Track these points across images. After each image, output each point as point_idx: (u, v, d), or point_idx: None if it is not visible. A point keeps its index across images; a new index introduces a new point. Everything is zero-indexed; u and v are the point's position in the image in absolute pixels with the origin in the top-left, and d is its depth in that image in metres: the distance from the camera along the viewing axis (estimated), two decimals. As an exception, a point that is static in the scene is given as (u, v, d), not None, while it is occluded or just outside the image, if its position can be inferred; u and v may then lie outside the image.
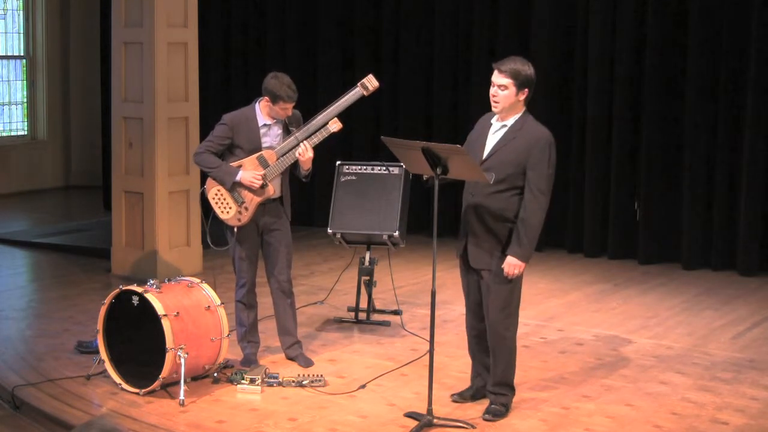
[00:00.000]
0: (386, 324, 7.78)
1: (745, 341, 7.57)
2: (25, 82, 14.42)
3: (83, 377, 6.47)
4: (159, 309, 6.07)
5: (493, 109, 5.84)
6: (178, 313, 6.14)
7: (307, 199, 11.29)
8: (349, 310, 7.98)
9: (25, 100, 14.46)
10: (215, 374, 6.45)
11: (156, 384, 6.13)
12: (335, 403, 6.12)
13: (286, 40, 11.97)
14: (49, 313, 8.18)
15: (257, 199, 6.57)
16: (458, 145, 5.70)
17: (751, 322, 8.10)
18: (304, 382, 6.37)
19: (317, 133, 6.55)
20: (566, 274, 9.65)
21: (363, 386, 6.41)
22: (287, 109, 6.54)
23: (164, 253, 9.07)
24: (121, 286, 6.29)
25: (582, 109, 10.43)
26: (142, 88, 9.06)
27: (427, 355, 5.83)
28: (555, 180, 5.84)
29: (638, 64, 10.11)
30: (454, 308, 7.99)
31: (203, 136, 7.38)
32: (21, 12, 14.27)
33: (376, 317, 7.87)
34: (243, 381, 6.32)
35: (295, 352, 6.84)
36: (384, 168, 7.98)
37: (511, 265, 5.73)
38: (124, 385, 6.24)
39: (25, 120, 14.51)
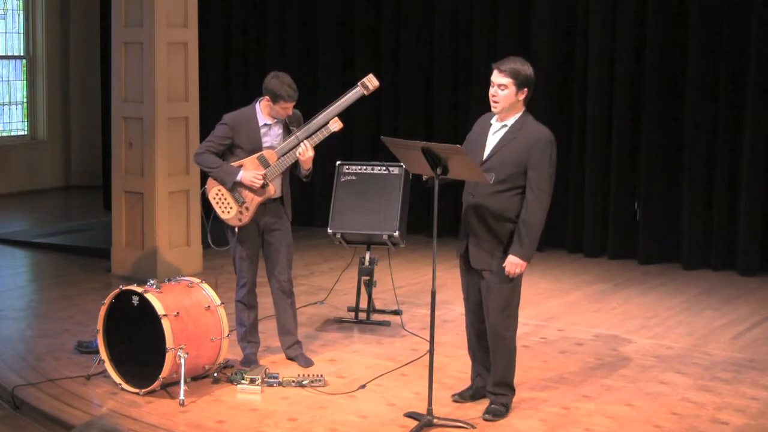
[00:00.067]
0: (386, 324, 7.78)
1: (745, 341, 7.57)
2: (25, 82, 14.42)
3: (83, 377, 6.47)
4: (159, 309, 6.07)
5: (492, 108, 5.84)
6: (178, 313, 6.14)
7: (307, 199, 11.29)
8: (349, 310, 7.98)
9: (25, 100, 14.46)
10: (215, 374, 6.45)
11: (156, 384, 6.13)
12: (335, 403, 6.12)
13: (286, 40, 11.97)
14: (49, 313, 8.18)
15: (258, 199, 6.57)
16: (458, 145, 5.70)
17: (751, 322, 8.10)
18: (304, 382, 6.37)
19: (318, 133, 6.55)
20: (566, 274, 9.65)
21: (363, 386, 6.41)
22: (288, 108, 6.54)
23: (164, 253, 9.07)
24: (121, 286, 6.29)
25: (582, 109, 10.43)
26: (142, 88, 9.06)
27: (427, 355, 5.83)
28: (555, 180, 5.84)
29: (638, 64, 10.11)
30: (454, 308, 7.99)
31: (203, 136, 7.38)
32: (21, 12, 14.27)
33: (376, 317, 7.87)
34: (243, 381, 6.32)
35: (295, 352, 6.84)
36: (384, 168, 7.98)
37: (513, 264, 5.74)
38: (124, 385, 6.24)
39: (25, 120, 14.51)
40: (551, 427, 5.84)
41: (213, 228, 6.74)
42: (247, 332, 6.76)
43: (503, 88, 5.76)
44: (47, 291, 9.01)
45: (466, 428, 5.76)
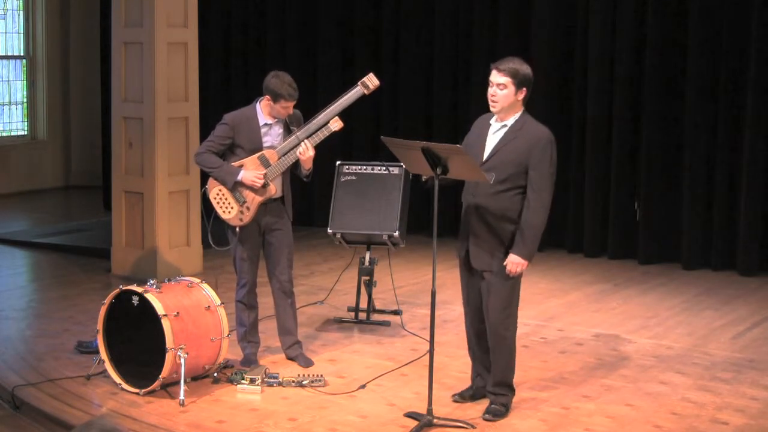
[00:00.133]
0: (386, 324, 7.78)
1: (745, 341, 7.57)
2: (25, 82, 14.42)
3: (83, 377, 6.47)
4: (159, 309, 6.07)
5: (491, 108, 5.84)
6: (178, 313, 6.14)
7: (307, 199, 11.29)
8: (349, 310, 7.98)
9: (25, 100, 14.46)
10: (215, 374, 6.45)
11: (156, 384, 6.12)
12: (335, 403, 6.12)
13: (286, 40, 11.97)
14: (49, 313, 8.18)
15: (259, 199, 6.57)
16: (458, 145, 5.70)
17: (751, 322, 8.10)
18: (304, 382, 6.37)
19: (318, 132, 6.55)
20: (566, 274, 9.65)
21: (363, 386, 6.41)
22: (288, 107, 6.54)
23: (164, 253, 9.07)
24: (121, 286, 6.29)
25: (582, 109, 10.43)
26: (142, 88, 9.06)
27: (427, 355, 5.83)
28: (555, 180, 5.84)
29: (638, 64, 10.11)
30: (454, 308, 7.99)
31: (203, 136, 7.38)
32: (21, 12, 14.27)
33: (376, 317, 7.87)
34: (243, 381, 6.32)
35: (295, 352, 6.84)
36: (384, 168, 7.98)
37: (514, 263, 5.74)
38: (124, 385, 6.24)
39: (25, 120, 14.51)
40: (551, 427, 5.84)
41: (214, 228, 6.74)
42: (247, 332, 6.76)
43: (502, 88, 5.77)
44: (47, 291, 9.01)
45: (466, 428, 5.76)
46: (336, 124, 6.54)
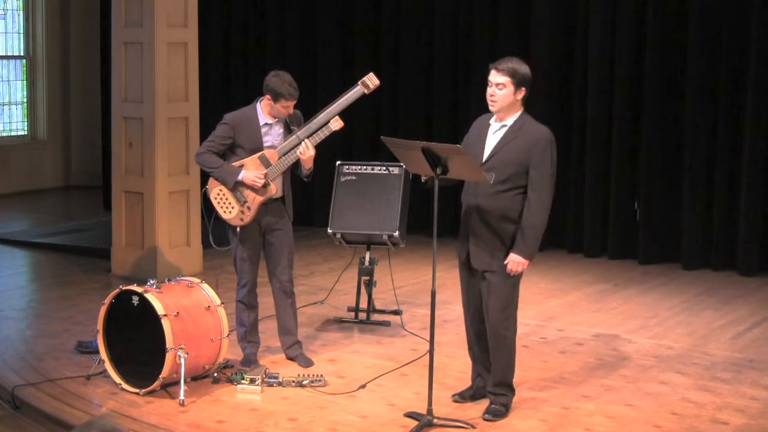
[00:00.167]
0: (386, 324, 7.78)
1: (745, 341, 7.57)
2: (25, 82, 14.42)
3: (83, 377, 6.47)
4: (159, 309, 6.07)
5: (490, 108, 5.85)
6: (178, 313, 6.14)
7: (307, 199, 11.29)
8: (349, 310, 7.98)
9: (25, 100, 14.46)
10: (215, 374, 6.45)
11: (156, 384, 6.12)
12: (335, 403, 6.12)
13: (286, 40, 11.97)
14: (49, 313, 8.18)
15: (260, 199, 6.57)
16: (458, 145, 5.71)
17: (751, 322, 8.10)
18: (304, 382, 6.37)
19: (319, 132, 6.55)
20: (566, 274, 9.65)
21: (363, 386, 6.41)
22: (289, 107, 6.54)
23: (164, 253, 9.08)
24: (121, 286, 6.29)
25: (582, 109, 10.43)
26: (142, 88, 9.06)
27: (427, 355, 5.83)
28: (555, 180, 5.84)
29: (638, 64, 10.11)
30: (454, 308, 7.99)
31: (203, 136, 7.38)
32: (21, 12, 14.27)
33: (376, 317, 7.87)
34: (243, 381, 6.32)
35: (295, 352, 6.84)
36: (384, 168, 7.98)
37: (515, 262, 5.75)
38: (124, 385, 6.24)
39: (25, 120, 14.51)
40: (551, 427, 5.84)
41: (215, 228, 6.74)
42: (248, 332, 6.76)
43: (501, 87, 5.77)
44: (47, 291, 9.01)
45: (466, 428, 5.76)
46: (336, 124, 6.54)
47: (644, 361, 7.04)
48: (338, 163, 8.16)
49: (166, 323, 6.04)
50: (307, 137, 6.53)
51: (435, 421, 5.74)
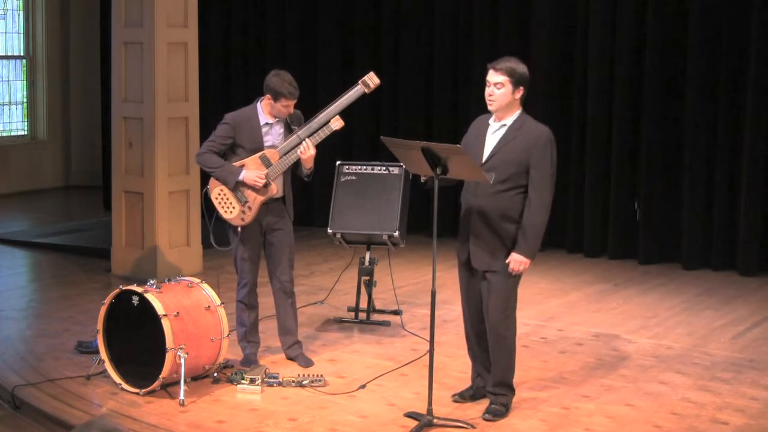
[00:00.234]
0: (386, 324, 7.78)
1: (745, 341, 7.57)
2: (25, 82, 14.42)
3: (83, 377, 6.47)
4: (159, 309, 6.07)
5: (489, 107, 5.85)
6: (178, 313, 6.14)
7: (307, 199, 11.29)
8: (349, 310, 7.98)
9: (25, 100, 14.46)
10: (215, 374, 6.45)
11: (156, 384, 6.12)
12: (335, 403, 6.12)
13: (286, 40, 11.97)
14: (49, 313, 8.18)
15: (260, 199, 6.57)
16: (458, 145, 5.71)
17: (751, 322, 8.10)
18: (304, 382, 6.37)
19: (319, 131, 6.55)
20: (566, 274, 9.65)
21: (363, 386, 6.41)
22: (289, 106, 6.54)
23: (164, 253, 9.08)
24: (121, 286, 6.29)
25: (582, 109, 10.43)
26: (142, 88, 9.06)
27: (427, 355, 5.83)
28: (555, 179, 5.85)
29: (638, 64, 10.11)
30: (454, 308, 7.99)
31: (203, 136, 7.38)
32: (21, 12, 14.27)
33: (376, 317, 7.87)
34: (243, 381, 6.32)
35: (295, 352, 6.84)
36: (384, 168, 7.99)
37: (517, 261, 5.75)
38: (124, 385, 6.24)
39: (25, 120, 14.51)
40: (551, 427, 5.84)
41: (215, 228, 6.73)
42: (248, 332, 6.76)
43: (500, 87, 5.78)
44: (47, 291, 9.01)
45: (466, 428, 5.76)
46: (337, 123, 6.55)
47: (644, 361, 7.04)
48: (338, 163, 8.16)
49: (166, 323, 6.04)
50: (308, 137, 6.53)
51: (435, 421, 5.73)
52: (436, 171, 5.66)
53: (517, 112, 5.85)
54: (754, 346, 7.45)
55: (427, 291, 6.05)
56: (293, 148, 6.55)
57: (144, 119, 9.05)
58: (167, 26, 9.05)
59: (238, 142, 6.58)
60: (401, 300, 8.15)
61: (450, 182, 5.89)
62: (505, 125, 5.84)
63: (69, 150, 14.76)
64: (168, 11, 9.05)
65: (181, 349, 6.05)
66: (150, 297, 6.11)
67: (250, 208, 6.56)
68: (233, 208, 6.57)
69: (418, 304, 8.28)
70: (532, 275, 8.49)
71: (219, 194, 6.59)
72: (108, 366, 6.30)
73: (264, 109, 6.61)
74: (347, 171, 8.09)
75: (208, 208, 6.76)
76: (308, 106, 7.22)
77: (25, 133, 14.52)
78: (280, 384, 6.36)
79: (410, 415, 5.88)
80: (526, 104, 5.92)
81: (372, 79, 6.61)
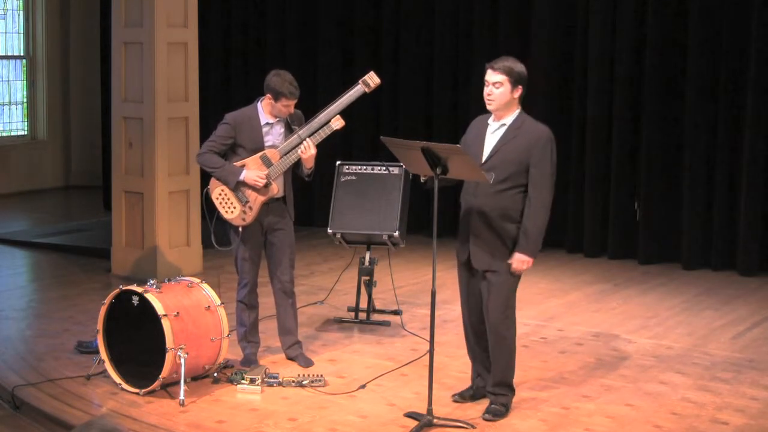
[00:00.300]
0: (386, 324, 7.78)
1: (745, 341, 7.57)
2: (25, 82, 14.42)
3: (83, 377, 6.47)
4: (159, 309, 6.07)
5: (488, 107, 5.86)
6: (178, 313, 6.14)
7: (307, 199, 11.29)
8: (349, 310, 7.98)
9: (25, 100, 14.46)
10: (215, 374, 6.45)
11: (156, 384, 6.12)
12: (335, 403, 6.12)
13: (286, 40, 11.97)
14: (49, 313, 8.18)
15: (261, 198, 6.57)
16: (458, 145, 5.71)
17: (751, 322, 8.10)
18: (304, 382, 6.37)
19: (320, 131, 6.55)
20: (566, 274, 9.65)
21: (363, 386, 6.41)
22: (290, 106, 6.54)
23: (164, 253, 9.08)
24: (121, 286, 6.29)
25: (582, 109, 10.43)
26: (142, 88, 9.06)
27: (427, 355, 5.83)
28: (555, 180, 5.85)
29: (638, 64, 10.11)
30: (454, 308, 7.98)
31: (203, 136, 7.38)
32: (21, 12, 14.27)
33: (376, 317, 7.87)
34: (243, 381, 6.32)
35: (295, 352, 6.84)
36: (384, 168, 7.99)
37: (520, 261, 5.76)
38: (124, 385, 6.24)
39: (25, 120, 14.51)
40: (551, 427, 5.84)
41: (216, 228, 6.73)
42: (248, 332, 6.76)
43: (498, 86, 5.78)
44: (47, 291, 9.01)
45: (466, 428, 5.76)
46: (337, 123, 6.55)
47: (644, 361, 7.04)
48: (338, 163, 8.16)
49: (166, 323, 6.04)
50: (309, 136, 6.53)
51: (435, 421, 5.73)
52: (436, 171, 5.66)
53: (516, 111, 5.86)
54: (754, 346, 7.45)
55: (427, 291, 6.05)
56: (294, 148, 6.55)
57: (144, 119, 9.05)
58: (167, 26, 9.05)
59: (238, 142, 6.58)
60: (401, 300, 8.15)
61: (450, 182, 5.89)
62: (504, 124, 5.85)
63: (69, 150, 14.76)
64: (168, 11, 9.05)
65: (181, 349, 6.05)
66: (150, 297, 6.11)
67: (251, 208, 6.56)
68: (234, 208, 6.57)
69: (418, 304, 8.28)
70: (532, 275, 8.48)
71: (220, 194, 6.59)
72: (108, 366, 6.30)
73: (264, 109, 6.61)
74: (347, 171, 8.09)
75: (208, 208, 6.76)
76: (308, 106, 7.22)
77: (25, 133, 14.52)
78: (280, 384, 6.36)
79: (410, 415, 5.88)
80: (526, 104, 5.92)
81: (372, 79, 6.62)
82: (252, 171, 6.51)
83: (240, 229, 6.59)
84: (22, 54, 14.33)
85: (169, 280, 6.47)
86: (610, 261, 10.24)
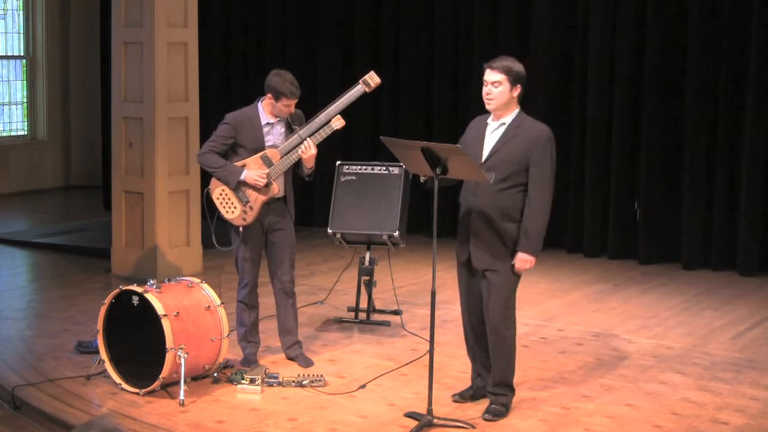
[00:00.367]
0: (386, 324, 7.78)
1: (745, 341, 7.57)
2: (25, 82, 14.42)
3: (83, 377, 6.47)
4: (159, 309, 6.07)
5: (487, 107, 5.86)
6: (178, 313, 6.14)
7: (307, 199, 11.29)
8: (349, 310, 7.98)
9: (25, 100, 14.46)
10: (215, 374, 6.45)
11: (156, 384, 6.12)
12: (335, 403, 6.12)
13: (286, 40, 11.97)
14: (49, 313, 8.18)
15: (262, 198, 6.57)
16: (458, 145, 5.71)
17: (751, 322, 8.10)
18: (304, 382, 6.37)
19: (320, 131, 6.55)
20: (566, 274, 9.65)
21: (363, 386, 6.41)
22: (290, 106, 6.54)
23: (164, 253, 9.08)
24: (121, 286, 6.29)
25: (582, 109, 10.43)
26: (142, 88, 9.06)
27: (427, 355, 5.83)
28: (555, 180, 5.85)
29: (638, 64, 10.11)
30: (454, 308, 7.97)
31: (203, 136, 7.38)
32: (21, 12, 14.28)
33: (376, 317, 7.87)
34: (243, 381, 6.32)
35: (295, 352, 6.84)
36: (384, 168, 7.99)
37: (522, 260, 5.76)
38: (124, 385, 6.24)
39: (25, 120, 14.51)
40: (551, 427, 5.84)
41: (217, 228, 6.73)
42: (248, 332, 6.76)
43: (497, 85, 5.79)
44: (47, 291, 9.01)
45: (466, 428, 5.76)
46: (338, 123, 6.55)
47: (644, 361, 7.04)
48: (338, 163, 8.16)
49: (166, 323, 6.04)
50: (309, 136, 6.53)
51: (435, 421, 5.73)
52: (435, 171, 5.66)
53: (516, 110, 5.86)
54: (754, 346, 7.45)
55: (427, 291, 6.05)
56: (294, 148, 6.55)
57: (144, 119, 9.06)
58: (167, 26, 9.05)
59: (239, 141, 6.58)
60: (401, 300, 8.15)
61: (450, 182, 5.89)
62: (504, 123, 5.85)
63: (69, 150, 14.76)
64: (168, 11, 9.05)
65: (181, 349, 6.05)
66: (150, 297, 6.11)
67: (251, 207, 6.56)
68: (235, 208, 6.57)
69: (418, 304, 8.28)
70: (532, 275, 8.48)
71: (220, 194, 6.59)
72: (108, 366, 6.30)
73: (265, 109, 6.61)
74: (347, 171, 8.09)
75: (209, 208, 6.75)
76: (308, 106, 7.22)
77: (25, 133, 14.52)
78: (280, 384, 6.36)
79: (410, 415, 5.88)
80: (526, 104, 5.92)
81: (372, 79, 6.62)
82: (253, 171, 6.51)
83: (240, 229, 6.59)
84: (22, 54, 14.33)
85: (169, 280, 6.47)
86: (610, 261, 10.24)
